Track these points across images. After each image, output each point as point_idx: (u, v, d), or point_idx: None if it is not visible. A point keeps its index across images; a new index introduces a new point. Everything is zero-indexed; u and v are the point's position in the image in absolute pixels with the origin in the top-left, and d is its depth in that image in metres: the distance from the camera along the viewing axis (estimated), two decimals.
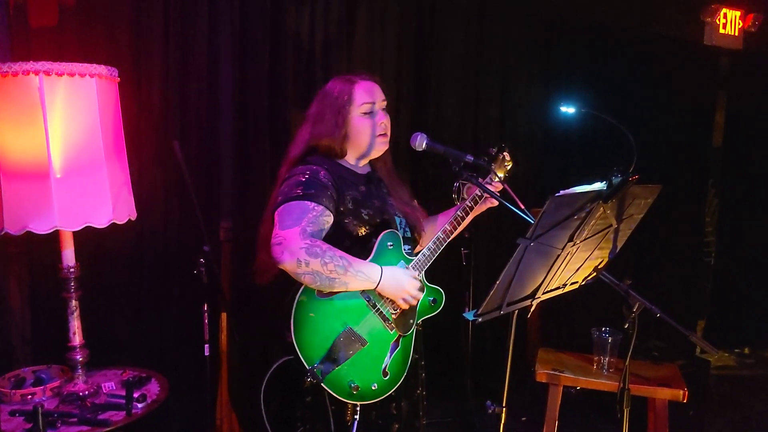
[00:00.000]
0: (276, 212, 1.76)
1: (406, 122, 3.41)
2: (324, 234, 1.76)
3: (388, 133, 1.94)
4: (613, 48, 4.06)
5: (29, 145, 1.88)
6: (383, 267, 1.79)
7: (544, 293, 1.82)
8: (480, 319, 1.62)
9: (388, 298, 1.84)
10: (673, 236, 4.26)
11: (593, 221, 1.67)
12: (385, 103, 1.94)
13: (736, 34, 4.44)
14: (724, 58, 4.56)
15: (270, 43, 2.87)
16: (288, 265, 1.66)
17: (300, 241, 1.66)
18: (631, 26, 4.12)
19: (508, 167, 2.07)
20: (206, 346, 2.32)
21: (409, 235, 1.99)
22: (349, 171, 1.93)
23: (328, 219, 1.77)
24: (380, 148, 1.93)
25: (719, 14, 4.33)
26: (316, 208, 1.74)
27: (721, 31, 4.37)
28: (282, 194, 1.78)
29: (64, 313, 2.08)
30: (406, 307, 1.85)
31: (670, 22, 4.26)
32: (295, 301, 1.75)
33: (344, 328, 1.78)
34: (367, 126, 1.89)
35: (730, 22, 4.39)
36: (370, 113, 1.89)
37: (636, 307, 1.73)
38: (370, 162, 2.02)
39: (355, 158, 1.96)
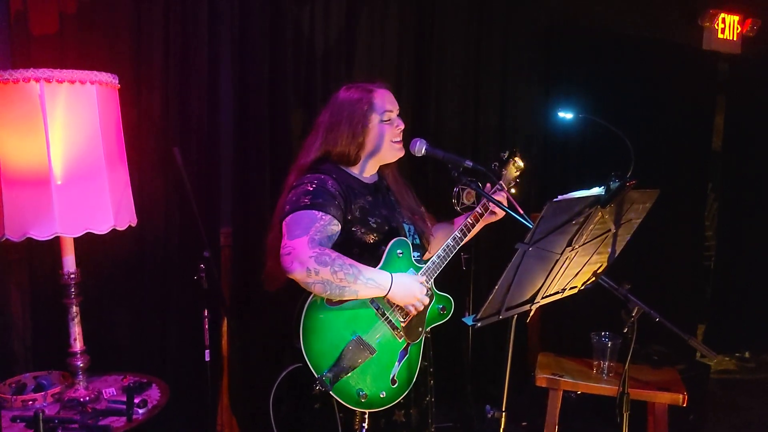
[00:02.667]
0: (284, 222, 1.77)
1: (406, 128, 3.41)
2: (332, 242, 1.77)
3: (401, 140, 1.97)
4: (612, 52, 4.06)
5: (30, 152, 1.89)
6: (393, 274, 1.79)
7: (543, 298, 1.83)
8: (479, 324, 1.63)
9: (397, 306, 1.85)
10: (673, 240, 4.26)
11: (592, 226, 1.68)
12: (398, 110, 1.97)
13: (735, 38, 4.46)
14: (723, 63, 4.57)
15: (269, 49, 2.89)
16: (298, 274, 1.66)
17: (309, 250, 1.67)
18: (631, 31, 4.13)
19: (520, 171, 2.08)
20: (207, 351, 2.33)
21: (418, 242, 2.00)
22: (356, 180, 1.93)
23: (336, 228, 1.78)
24: (396, 154, 1.96)
25: (718, 19, 4.35)
26: (323, 217, 1.74)
27: (720, 35, 4.39)
28: (290, 203, 1.79)
29: (65, 319, 2.09)
30: (415, 312, 1.86)
31: (669, 26, 4.28)
32: (305, 310, 1.76)
33: (353, 336, 1.78)
34: (386, 133, 1.91)
35: (728, 27, 4.41)
36: (389, 120, 1.92)
37: (635, 311, 1.74)
38: (379, 170, 2.03)
39: (366, 166, 1.96)
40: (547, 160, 4.07)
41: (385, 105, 1.91)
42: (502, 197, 1.98)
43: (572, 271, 1.84)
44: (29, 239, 1.90)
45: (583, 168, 4.10)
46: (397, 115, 1.95)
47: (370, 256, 1.83)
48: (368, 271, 1.74)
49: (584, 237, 1.70)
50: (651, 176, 1.76)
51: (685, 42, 4.36)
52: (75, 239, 2.04)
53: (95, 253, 2.37)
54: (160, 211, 2.65)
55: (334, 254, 1.70)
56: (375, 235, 1.86)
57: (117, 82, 2.10)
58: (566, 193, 1.56)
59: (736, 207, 4.78)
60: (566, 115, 2.36)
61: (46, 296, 2.39)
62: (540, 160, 4.02)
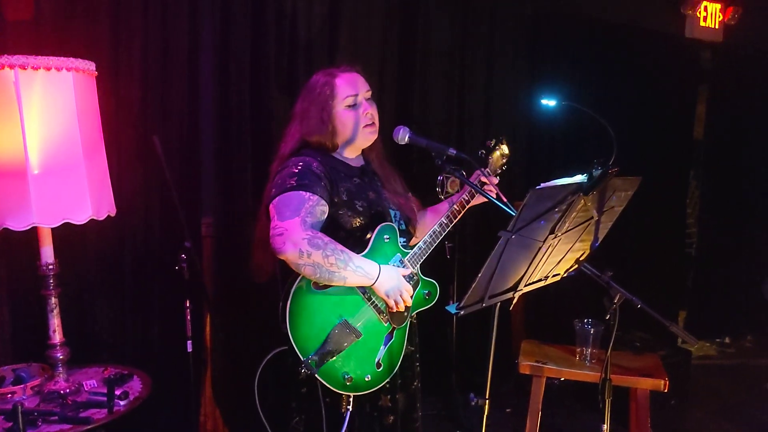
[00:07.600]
0: (272, 204, 1.76)
1: (390, 116, 3.39)
2: (322, 225, 1.76)
3: (376, 123, 1.94)
4: (596, 41, 4.07)
5: (6, 141, 1.85)
6: (382, 266, 1.80)
7: (526, 285, 1.83)
8: (462, 312, 1.63)
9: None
10: (655, 228, 4.29)
11: (574, 213, 1.68)
12: (369, 93, 1.94)
13: (717, 27, 4.47)
14: (705, 51, 4.59)
15: (251, 34, 2.85)
16: (290, 255, 1.66)
17: (302, 231, 1.66)
18: (614, 19, 4.14)
19: (506, 159, 2.10)
20: (189, 342, 2.31)
21: (404, 227, 2.00)
22: (342, 164, 1.92)
23: (324, 209, 1.77)
24: (368, 138, 1.93)
25: (700, 7, 4.36)
26: (311, 197, 1.73)
27: (702, 24, 4.39)
28: (276, 186, 1.78)
29: (44, 311, 2.06)
30: (396, 308, 1.85)
31: (651, 15, 4.29)
32: (291, 293, 1.75)
33: (339, 320, 1.78)
34: (352, 118, 1.89)
35: (710, 15, 4.42)
36: (353, 105, 1.89)
37: (617, 298, 1.75)
38: (363, 154, 2.02)
39: (347, 151, 1.96)
40: (533, 147, 4.08)
41: (348, 90, 1.88)
42: (490, 187, 1.98)
43: (555, 259, 1.85)
44: (6, 230, 1.87)
45: (568, 155, 4.11)
46: (368, 99, 1.93)
47: (355, 240, 1.83)
48: (358, 259, 1.75)
49: (567, 224, 1.70)
50: (633, 164, 1.76)
51: (668, 30, 4.37)
52: (53, 230, 2.01)
53: (74, 244, 2.34)
54: (139, 200, 2.62)
55: (327, 238, 1.70)
56: (361, 219, 1.85)
57: (94, 68, 2.06)
58: (550, 180, 1.56)
59: (717, 195, 4.82)
60: (549, 102, 2.36)
61: (25, 288, 2.35)
62: (525, 147, 4.03)
